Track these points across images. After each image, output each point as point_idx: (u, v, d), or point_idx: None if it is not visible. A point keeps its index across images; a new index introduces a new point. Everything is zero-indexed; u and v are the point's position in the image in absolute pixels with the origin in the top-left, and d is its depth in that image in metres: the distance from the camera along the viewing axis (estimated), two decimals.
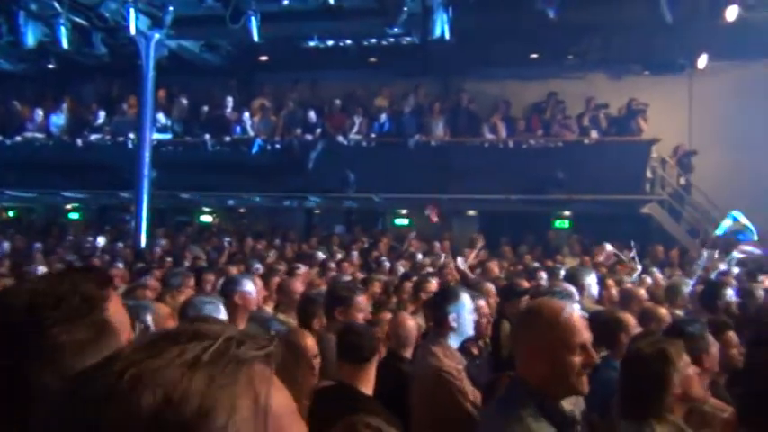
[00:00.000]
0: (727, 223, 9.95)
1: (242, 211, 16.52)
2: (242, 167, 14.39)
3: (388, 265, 9.68)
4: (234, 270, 7.53)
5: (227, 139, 14.88)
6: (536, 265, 9.71)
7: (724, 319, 4.28)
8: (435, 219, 13.13)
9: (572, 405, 2.92)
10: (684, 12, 11.19)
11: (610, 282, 6.85)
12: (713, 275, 8.20)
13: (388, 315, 4.61)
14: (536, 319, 2.25)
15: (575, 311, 2.31)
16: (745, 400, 2.10)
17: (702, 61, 13.82)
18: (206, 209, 16.63)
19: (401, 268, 9.14)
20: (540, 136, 14.45)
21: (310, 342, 3.79)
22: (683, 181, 14.50)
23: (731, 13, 11.23)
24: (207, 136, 14.83)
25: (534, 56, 14.77)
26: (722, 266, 9.10)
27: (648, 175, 14.07)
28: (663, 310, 4.36)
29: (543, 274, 7.16)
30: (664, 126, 14.01)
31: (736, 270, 9.44)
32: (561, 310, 2.23)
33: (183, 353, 0.74)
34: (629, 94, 14.38)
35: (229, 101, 15.36)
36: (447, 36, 11.37)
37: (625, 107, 14.43)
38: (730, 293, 5.24)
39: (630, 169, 13.72)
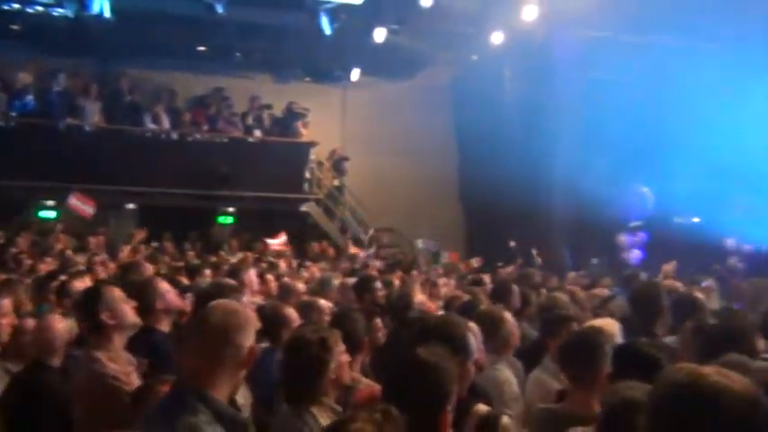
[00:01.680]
0: None
1: None
2: None
3: (29, 263, 8.56)
4: None
5: None
6: (197, 261, 9.56)
7: (371, 308, 4.83)
8: (87, 210, 11.47)
9: (243, 399, 2.95)
10: (341, 27, 12.23)
11: (269, 276, 7.19)
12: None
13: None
14: (200, 321, 2.21)
15: (239, 308, 2.32)
16: (387, 383, 2.33)
17: (355, 74, 15.36)
18: None
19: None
20: (206, 131, 14.36)
21: None
22: (336, 183, 15.83)
23: (379, 34, 12.72)
24: None
25: (202, 48, 14.59)
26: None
27: (307, 175, 15.02)
28: (322, 302, 4.66)
29: (207, 271, 7.11)
30: (321, 131, 15.13)
31: (377, 263, 10.70)
32: (225, 310, 2.23)
33: None
34: (292, 98, 15.15)
35: None
36: (107, 14, 10.56)
37: (286, 109, 15.15)
38: (378, 285, 5.88)
39: (291, 169, 14.54)
